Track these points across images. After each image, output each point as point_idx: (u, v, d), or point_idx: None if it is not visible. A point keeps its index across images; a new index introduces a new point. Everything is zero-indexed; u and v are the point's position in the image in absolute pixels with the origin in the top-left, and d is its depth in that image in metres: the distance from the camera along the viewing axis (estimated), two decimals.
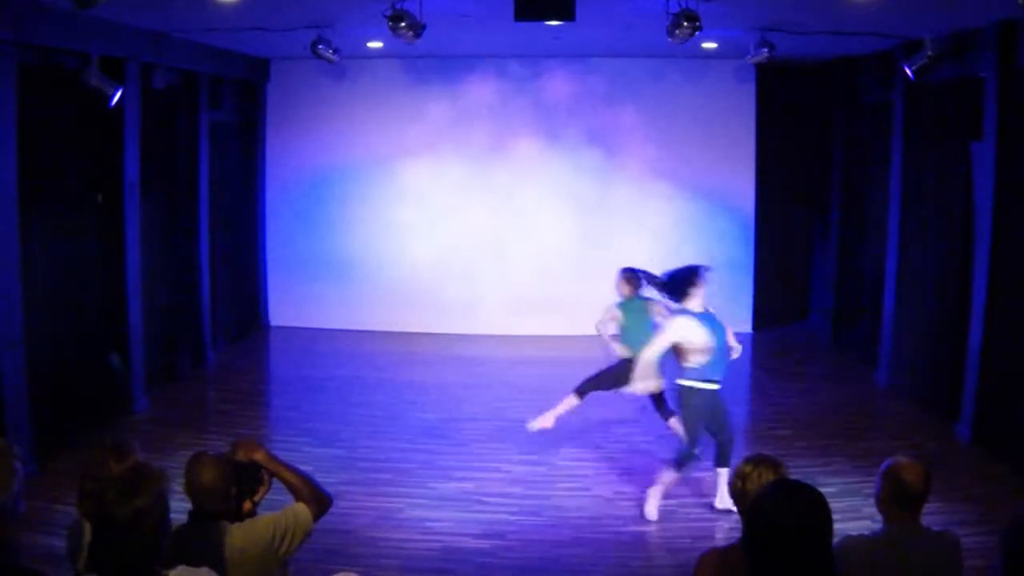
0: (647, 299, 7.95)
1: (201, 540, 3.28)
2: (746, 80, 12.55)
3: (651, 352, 6.75)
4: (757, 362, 12.02)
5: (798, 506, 2.44)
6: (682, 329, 6.62)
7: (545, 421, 8.16)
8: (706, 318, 6.66)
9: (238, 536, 3.36)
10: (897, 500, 3.51)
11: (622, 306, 8.05)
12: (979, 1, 7.04)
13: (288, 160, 13.03)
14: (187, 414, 9.33)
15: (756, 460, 3.51)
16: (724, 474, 6.71)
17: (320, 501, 3.58)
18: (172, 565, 2.75)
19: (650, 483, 6.99)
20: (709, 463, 7.02)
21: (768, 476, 3.39)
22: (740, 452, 6.98)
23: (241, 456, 3.54)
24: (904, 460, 3.60)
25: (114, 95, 8.31)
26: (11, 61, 7.07)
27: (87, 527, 3.49)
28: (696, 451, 6.72)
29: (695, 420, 6.70)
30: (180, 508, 3.47)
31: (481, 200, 12.83)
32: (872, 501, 3.71)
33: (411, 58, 12.34)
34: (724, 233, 12.84)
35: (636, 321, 7.90)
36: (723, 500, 6.71)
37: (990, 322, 8.10)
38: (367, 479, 7.62)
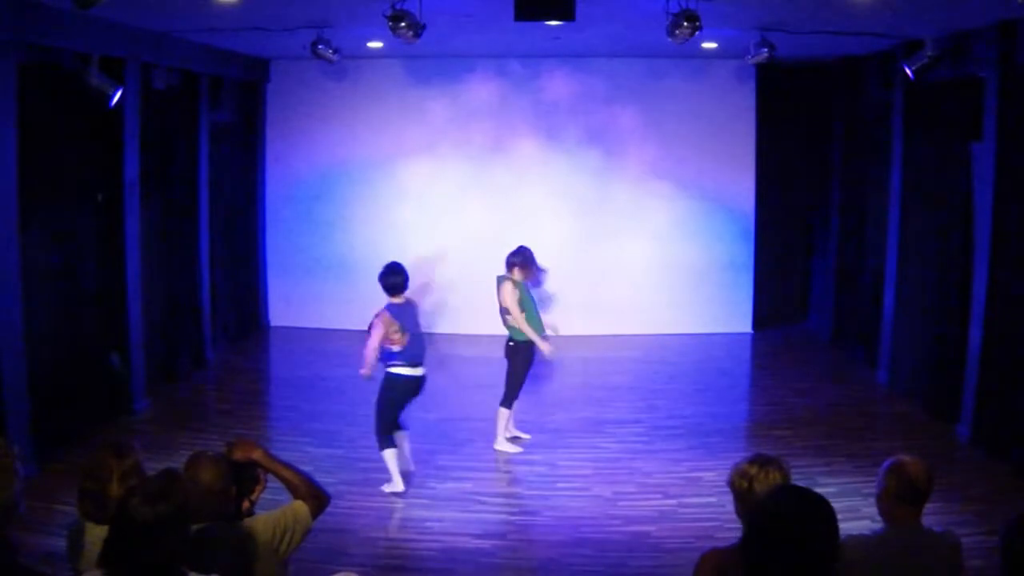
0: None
1: (220, 541, 3.28)
2: (746, 80, 12.55)
3: None
4: (757, 362, 12.04)
5: (804, 517, 2.42)
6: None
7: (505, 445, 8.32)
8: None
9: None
10: (900, 498, 3.50)
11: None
12: (979, 1, 7.04)
13: (288, 160, 13.03)
14: (187, 414, 9.33)
15: (762, 461, 3.45)
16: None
17: (318, 498, 3.58)
18: (185, 572, 2.74)
19: (650, 483, 6.98)
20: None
21: (775, 477, 3.36)
22: (740, 452, 6.99)
23: (238, 455, 3.54)
24: (907, 459, 3.59)
25: (114, 95, 8.31)
26: (11, 61, 7.07)
27: (87, 527, 3.50)
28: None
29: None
30: None
31: (481, 200, 12.83)
32: (872, 501, 3.70)
33: (411, 58, 12.34)
34: (724, 233, 12.84)
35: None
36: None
37: (990, 322, 8.10)
38: (367, 479, 7.62)
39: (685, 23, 7.22)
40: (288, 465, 3.61)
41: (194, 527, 3.33)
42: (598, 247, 12.83)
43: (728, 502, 3.58)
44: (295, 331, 12.94)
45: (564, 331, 12.53)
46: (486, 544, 6.48)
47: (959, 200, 8.94)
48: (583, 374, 11.00)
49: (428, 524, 6.77)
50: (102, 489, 3.43)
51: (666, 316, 12.80)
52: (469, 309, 12.66)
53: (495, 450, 8.30)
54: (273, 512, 3.49)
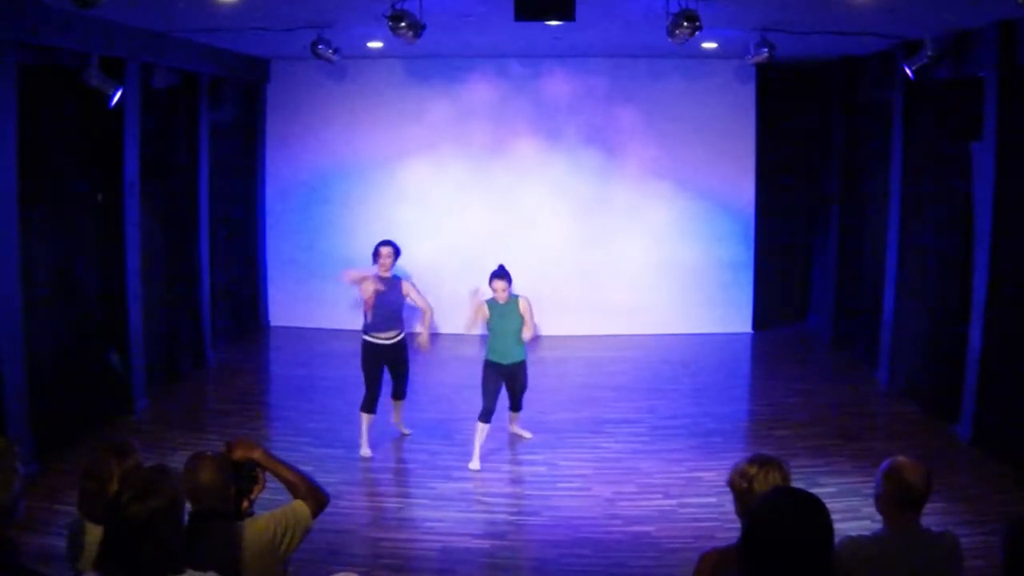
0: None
1: (216, 540, 3.28)
2: (746, 80, 12.55)
3: None
4: (757, 362, 12.04)
5: (801, 519, 2.43)
6: None
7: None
8: None
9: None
10: (898, 500, 3.48)
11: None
12: (979, 1, 7.04)
13: (288, 160, 13.03)
14: (187, 414, 9.33)
15: (761, 461, 3.45)
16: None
17: (318, 498, 3.59)
18: (182, 568, 2.74)
19: (650, 483, 6.97)
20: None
21: (775, 478, 3.36)
22: (740, 452, 6.99)
23: (238, 455, 3.54)
24: (905, 460, 3.57)
25: (114, 95, 8.31)
26: (11, 61, 7.07)
27: (87, 527, 3.50)
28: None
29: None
30: None
31: (481, 200, 12.83)
32: (872, 501, 3.70)
33: (411, 58, 12.34)
34: (724, 233, 12.85)
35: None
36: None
37: (990, 322, 8.10)
38: (367, 479, 7.62)
39: (685, 23, 7.22)
40: (288, 465, 3.61)
41: (189, 524, 3.35)
42: (598, 247, 12.83)
43: (728, 502, 3.59)
44: (295, 331, 12.95)
45: (564, 331, 12.61)
46: (486, 544, 6.49)
47: (959, 200, 8.95)
48: (583, 374, 11.00)
49: (428, 524, 6.78)
50: (102, 489, 3.43)
51: (666, 316, 12.80)
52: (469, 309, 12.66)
53: (510, 432, 8.55)
54: (273, 512, 3.49)
